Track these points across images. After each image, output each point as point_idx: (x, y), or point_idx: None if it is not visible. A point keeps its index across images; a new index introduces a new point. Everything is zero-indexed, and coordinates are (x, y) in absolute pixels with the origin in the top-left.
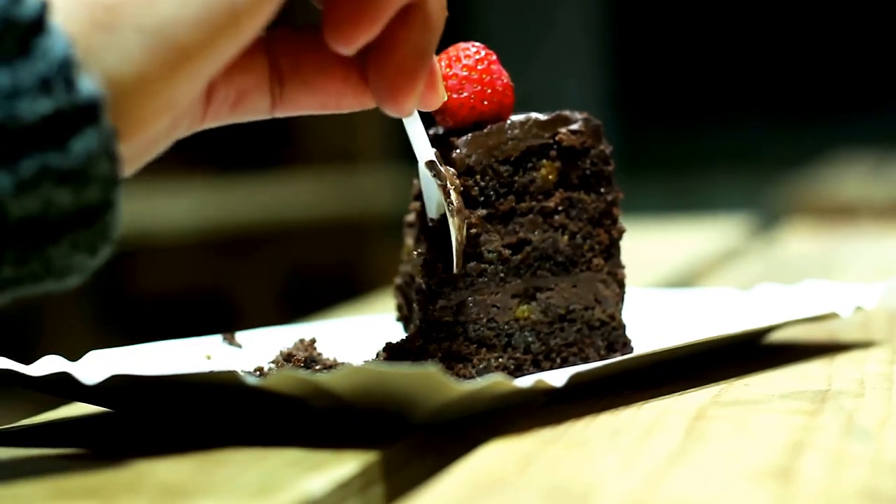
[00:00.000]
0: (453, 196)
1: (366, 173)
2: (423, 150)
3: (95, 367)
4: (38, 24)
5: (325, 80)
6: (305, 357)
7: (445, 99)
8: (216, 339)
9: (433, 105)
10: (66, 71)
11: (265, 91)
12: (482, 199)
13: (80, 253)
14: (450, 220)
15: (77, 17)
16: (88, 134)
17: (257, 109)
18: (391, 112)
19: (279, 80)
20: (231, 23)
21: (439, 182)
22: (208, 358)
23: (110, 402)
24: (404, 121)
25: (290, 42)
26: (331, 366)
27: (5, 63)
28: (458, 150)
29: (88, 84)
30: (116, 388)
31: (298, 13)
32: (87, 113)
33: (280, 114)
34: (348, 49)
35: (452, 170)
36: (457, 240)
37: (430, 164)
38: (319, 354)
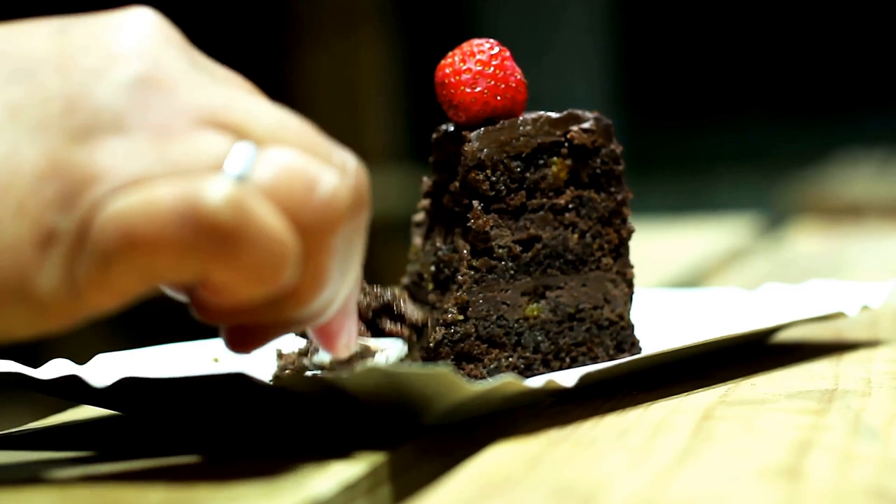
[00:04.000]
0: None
1: (373, 174)
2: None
3: (103, 370)
4: None
5: None
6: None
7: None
8: (223, 342)
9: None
10: None
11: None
12: (493, 193)
13: None
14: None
15: None
16: None
17: None
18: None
19: None
20: None
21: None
22: (216, 360)
23: (118, 405)
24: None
25: None
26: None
27: None
28: (469, 144)
29: None
30: (124, 391)
31: None
32: None
33: None
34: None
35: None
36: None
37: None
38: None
